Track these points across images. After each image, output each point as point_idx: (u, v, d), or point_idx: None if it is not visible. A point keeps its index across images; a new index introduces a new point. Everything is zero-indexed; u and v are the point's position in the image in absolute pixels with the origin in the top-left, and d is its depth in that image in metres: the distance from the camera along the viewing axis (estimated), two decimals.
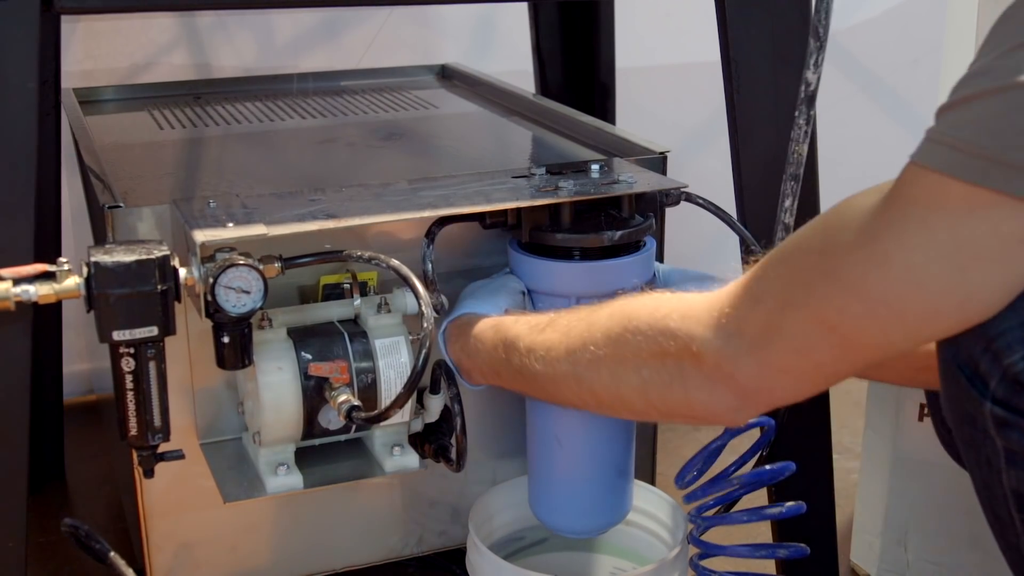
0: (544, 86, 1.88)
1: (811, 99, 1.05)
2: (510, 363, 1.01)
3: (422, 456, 1.17)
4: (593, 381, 0.93)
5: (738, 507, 1.18)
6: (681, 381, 0.85)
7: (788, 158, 1.06)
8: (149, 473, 1.04)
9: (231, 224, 1.03)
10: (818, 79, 1.05)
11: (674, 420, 0.91)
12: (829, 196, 1.37)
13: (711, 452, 1.15)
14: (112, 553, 1.12)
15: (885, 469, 1.46)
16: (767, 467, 1.13)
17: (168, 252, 0.96)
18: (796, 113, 1.06)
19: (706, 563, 1.16)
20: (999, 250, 0.68)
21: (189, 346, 1.14)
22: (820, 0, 1.03)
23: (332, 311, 1.14)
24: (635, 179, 1.18)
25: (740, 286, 0.82)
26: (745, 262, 1.30)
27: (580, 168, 1.21)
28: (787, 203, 1.07)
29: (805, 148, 1.06)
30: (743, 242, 1.26)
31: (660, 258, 1.33)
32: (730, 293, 0.82)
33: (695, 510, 1.16)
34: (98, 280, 0.93)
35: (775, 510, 1.15)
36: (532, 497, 1.19)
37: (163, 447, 1.02)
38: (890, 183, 0.73)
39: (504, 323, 1.04)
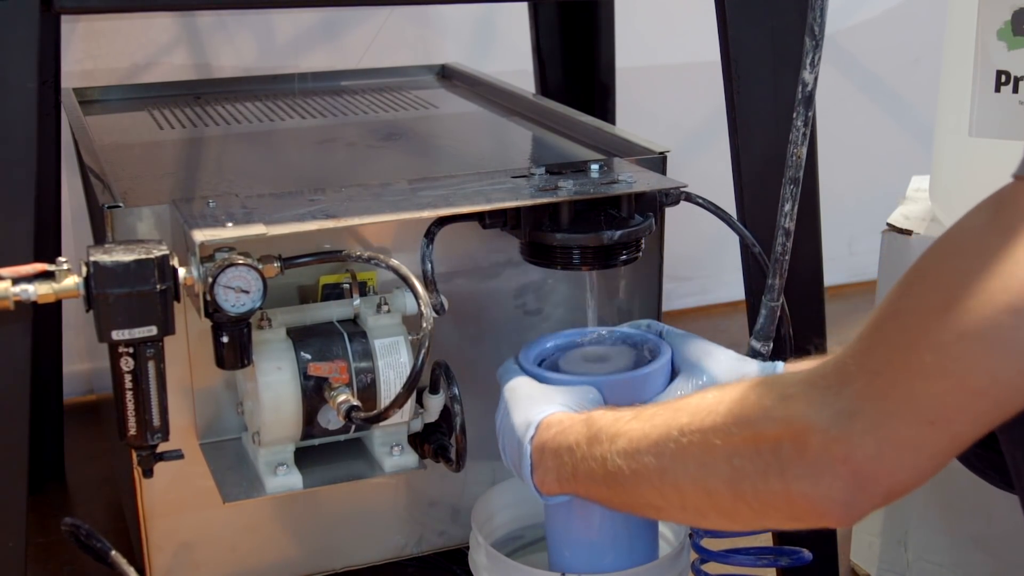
0: (544, 86, 1.88)
1: (809, 100, 1.05)
2: (591, 458, 0.89)
3: (421, 456, 1.17)
4: (678, 473, 0.81)
5: None
6: (779, 470, 0.73)
7: (787, 161, 1.06)
8: (148, 473, 1.04)
9: (230, 224, 1.03)
10: (815, 79, 1.04)
11: (767, 523, 0.79)
12: (829, 197, 1.37)
13: None
14: (113, 552, 1.12)
15: None
16: None
17: (167, 252, 0.96)
18: (794, 115, 1.06)
19: (706, 567, 1.16)
20: None
21: (188, 346, 1.14)
22: None
23: (331, 311, 1.14)
24: (635, 179, 1.18)
25: (849, 357, 0.72)
26: (745, 262, 1.30)
27: (580, 168, 1.21)
28: (787, 207, 1.07)
29: (804, 150, 1.06)
30: (743, 242, 1.26)
31: (660, 258, 1.33)
32: (836, 366, 0.73)
33: None
34: (97, 280, 0.93)
35: None
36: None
37: (162, 447, 1.02)
38: (980, 206, 0.67)
39: (593, 416, 0.93)
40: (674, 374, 1.06)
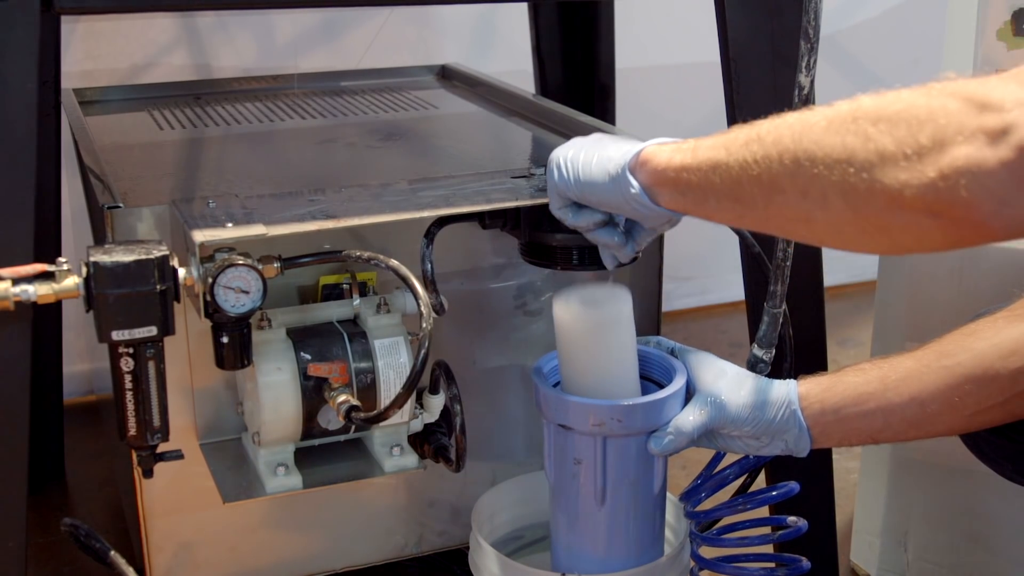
0: (544, 86, 1.88)
1: (806, 103, 1.05)
2: (715, 146, 0.86)
3: (421, 456, 1.17)
4: (825, 141, 0.76)
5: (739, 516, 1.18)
6: (941, 129, 0.71)
7: None
8: (148, 473, 1.04)
9: (230, 224, 1.03)
10: (811, 82, 1.04)
11: (902, 206, 0.73)
12: None
13: (720, 481, 1.15)
14: (112, 552, 1.12)
15: (885, 469, 1.46)
16: (773, 492, 1.13)
17: (167, 252, 0.96)
18: None
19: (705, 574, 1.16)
20: None
21: (188, 346, 1.14)
22: (808, 1, 1.02)
23: (331, 311, 1.14)
24: None
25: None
26: (745, 262, 1.30)
27: None
28: None
29: None
30: (743, 242, 1.26)
31: (660, 258, 1.33)
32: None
33: (690, 504, 1.16)
34: (97, 280, 0.93)
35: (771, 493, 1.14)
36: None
37: (162, 447, 1.02)
38: None
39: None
40: (688, 394, 1.06)
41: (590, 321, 1.04)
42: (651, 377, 1.10)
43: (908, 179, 0.71)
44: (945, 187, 0.70)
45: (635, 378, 1.08)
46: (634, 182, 0.92)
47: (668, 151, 0.91)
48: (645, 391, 1.08)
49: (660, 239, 1.30)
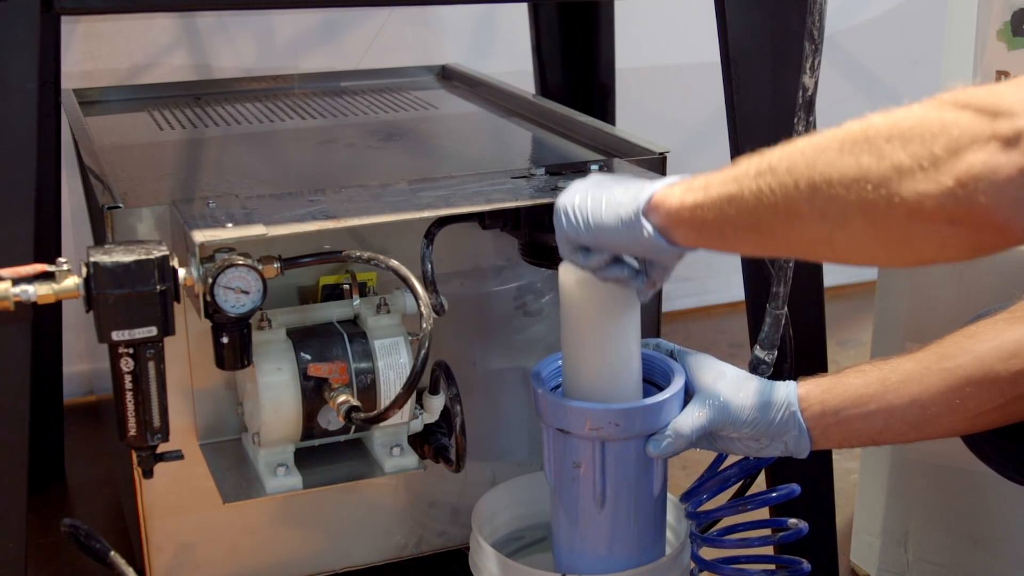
0: (544, 86, 1.88)
1: (810, 104, 1.04)
2: (727, 181, 0.86)
3: (422, 456, 1.17)
4: (840, 164, 0.77)
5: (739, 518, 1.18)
6: (955, 140, 0.71)
7: None
8: (148, 473, 1.04)
9: (230, 224, 1.03)
10: (815, 84, 1.04)
11: (923, 217, 0.73)
12: None
13: (721, 482, 1.15)
14: (112, 553, 1.12)
15: (885, 469, 1.46)
16: (773, 493, 1.13)
17: (167, 252, 0.96)
18: (795, 120, 1.06)
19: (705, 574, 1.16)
20: None
21: (188, 346, 1.14)
22: (813, 2, 1.02)
23: (331, 312, 1.14)
24: None
25: None
26: (745, 262, 1.30)
27: (580, 168, 1.21)
28: None
29: None
30: None
31: None
32: None
33: (691, 505, 1.16)
34: (97, 280, 0.93)
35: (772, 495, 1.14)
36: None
37: (162, 447, 1.02)
38: None
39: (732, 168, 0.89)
40: (687, 396, 1.06)
41: (597, 287, 1.02)
42: (650, 380, 1.10)
43: (926, 189, 0.72)
44: (964, 194, 0.71)
45: (637, 354, 1.06)
46: (648, 225, 0.93)
47: (680, 191, 0.91)
48: (644, 393, 1.08)
49: None
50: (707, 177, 0.89)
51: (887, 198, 0.74)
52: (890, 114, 0.77)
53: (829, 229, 0.79)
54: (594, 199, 0.96)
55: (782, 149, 0.83)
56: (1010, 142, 0.69)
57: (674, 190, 0.91)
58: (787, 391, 1.03)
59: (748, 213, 0.84)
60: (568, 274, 1.03)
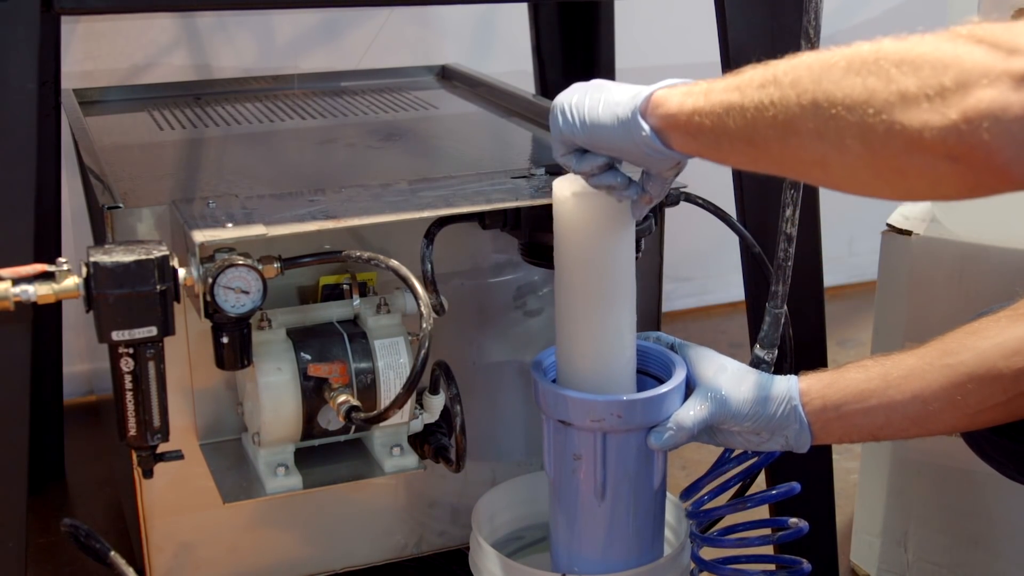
0: (544, 86, 1.88)
1: None
2: (727, 89, 0.84)
3: (422, 456, 1.17)
4: (839, 84, 0.75)
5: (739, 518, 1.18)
6: (966, 73, 0.69)
7: None
8: (148, 473, 1.04)
9: (230, 224, 1.03)
10: None
11: (922, 149, 0.71)
12: (829, 198, 1.37)
13: (722, 481, 1.15)
14: (112, 553, 1.12)
15: (885, 469, 1.46)
16: (773, 491, 1.13)
17: (167, 252, 0.96)
18: None
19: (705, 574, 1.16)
20: None
21: (188, 346, 1.14)
22: (809, 1, 1.02)
23: (331, 312, 1.14)
24: None
25: None
26: (745, 262, 1.30)
27: None
28: (788, 212, 1.06)
29: None
30: (743, 242, 1.26)
31: (660, 258, 1.33)
32: None
33: (692, 506, 1.16)
34: (97, 280, 0.93)
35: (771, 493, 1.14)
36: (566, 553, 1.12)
37: (162, 447, 1.02)
38: None
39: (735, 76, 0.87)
40: (688, 389, 1.06)
41: (591, 200, 1.00)
42: (650, 372, 1.10)
43: (929, 120, 0.70)
44: (967, 130, 0.68)
45: (631, 283, 1.04)
46: (645, 126, 0.91)
47: (680, 94, 0.89)
48: (644, 386, 1.08)
49: (660, 239, 1.31)
50: (710, 83, 0.87)
51: (887, 124, 0.72)
52: (903, 40, 0.75)
53: (824, 150, 0.77)
54: (592, 98, 0.95)
55: (790, 62, 0.80)
56: (1022, 81, 0.67)
57: (674, 92, 0.90)
58: (788, 385, 1.03)
59: (746, 124, 0.82)
60: (563, 187, 1.01)
